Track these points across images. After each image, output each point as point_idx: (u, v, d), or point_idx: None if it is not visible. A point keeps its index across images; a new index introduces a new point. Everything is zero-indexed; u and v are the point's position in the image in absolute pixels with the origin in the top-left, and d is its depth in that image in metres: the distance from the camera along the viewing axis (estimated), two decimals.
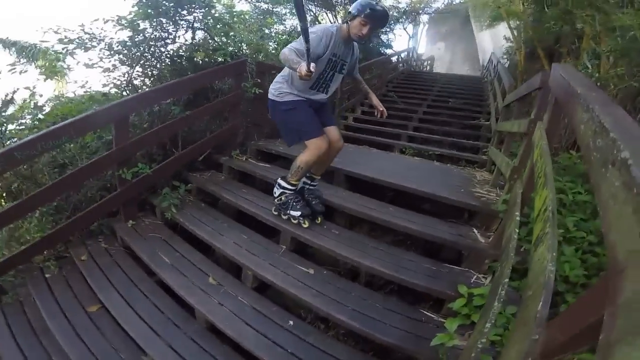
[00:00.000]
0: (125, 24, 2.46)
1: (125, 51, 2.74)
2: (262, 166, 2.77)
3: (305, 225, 2.04)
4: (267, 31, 5.87)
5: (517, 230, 1.20)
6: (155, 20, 2.53)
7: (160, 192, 2.53)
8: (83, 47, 2.47)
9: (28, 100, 2.86)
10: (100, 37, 2.54)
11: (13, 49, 7.97)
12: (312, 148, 1.95)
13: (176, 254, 2.16)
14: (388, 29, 10.37)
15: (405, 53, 10.00)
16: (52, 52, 2.57)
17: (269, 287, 1.86)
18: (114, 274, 2.09)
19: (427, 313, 1.61)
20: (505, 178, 1.97)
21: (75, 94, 3.45)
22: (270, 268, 1.84)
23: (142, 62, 2.82)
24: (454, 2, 12.16)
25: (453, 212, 2.12)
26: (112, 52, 2.65)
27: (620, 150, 0.43)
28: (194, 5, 2.90)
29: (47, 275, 2.18)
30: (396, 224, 1.91)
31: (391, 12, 11.31)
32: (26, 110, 2.93)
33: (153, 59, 2.98)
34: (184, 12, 2.89)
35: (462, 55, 14.35)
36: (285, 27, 7.09)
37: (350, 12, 1.85)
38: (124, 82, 2.84)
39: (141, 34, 2.59)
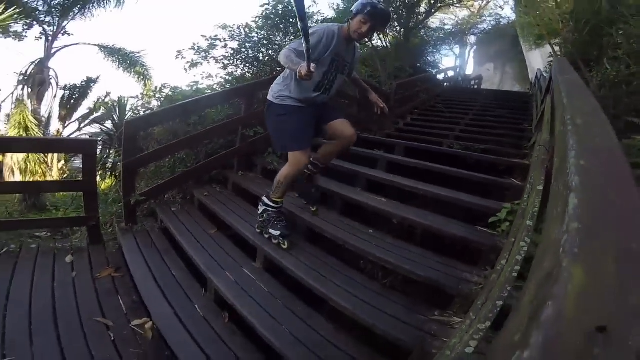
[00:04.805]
0: (256, 30, 3.63)
1: (241, 53, 3.92)
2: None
3: (284, 247, 2.09)
4: None
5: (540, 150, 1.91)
6: (276, 29, 3.67)
7: (261, 156, 3.49)
8: (225, 44, 3.67)
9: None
10: (234, 36, 3.75)
11: (116, 56, 10.00)
12: (292, 162, 2.01)
13: None
14: (434, 50, 11.32)
15: (452, 72, 10.77)
16: (196, 47, 3.75)
17: (353, 207, 2.60)
18: (230, 205, 2.95)
19: (482, 228, 2.07)
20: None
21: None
22: (353, 193, 2.66)
23: (252, 61, 3.97)
24: (501, 23, 12.86)
25: (494, 173, 2.79)
26: (234, 52, 3.82)
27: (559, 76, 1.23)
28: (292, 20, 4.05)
29: (173, 209, 3.10)
30: (450, 170, 2.70)
31: (437, 34, 12.30)
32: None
33: (256, 62, 4.12)
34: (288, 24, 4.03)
35: (513, 76, 14.74)
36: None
37: (351, 10, 1.91)
38: (237, 76, 4.00)
39: (261, 40, 3.76)
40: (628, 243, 0.39)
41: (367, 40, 1.96)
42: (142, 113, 4.14)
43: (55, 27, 9.37)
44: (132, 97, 4.30)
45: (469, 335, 0.68)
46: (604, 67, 2.95)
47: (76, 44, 9.84)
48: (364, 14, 1.82)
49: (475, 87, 12.96)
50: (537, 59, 8.45)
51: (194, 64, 3.66)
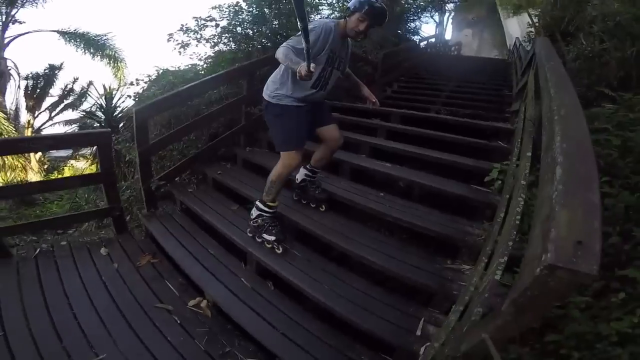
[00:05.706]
0: (246, 8, 3.72)
1: (231, 32, 4.00)
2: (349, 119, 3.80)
3: (279, 251, 2.11)
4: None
5: (523, 117, 2.25)
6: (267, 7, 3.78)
7: (264, 131, 3.54)
8: (216, 25, 3.76)
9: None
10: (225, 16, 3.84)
11: (79, 40, 9.46)
12: (284, 162, 2.01)
13: None
14: (415, 17, 11.35)
15: (433, 39, 10.95)
16: (185, 28, 3.81)
17: (361, 172, 2.86)
18: (245, 180, 3.04)
19: (476, 186, 2.42)
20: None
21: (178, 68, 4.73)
22: (360, 160, 2.94)
23: (242, 38, 4.07)
24: None
25: (482, 136, 3.08)
26: (225, 31, 3.91)
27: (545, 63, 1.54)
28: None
29: (189, 190, 3.14)
30: (444, 135, 3.03)
31: (418, 1, 12.27)
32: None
33: (246, 39, 4.19)
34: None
35: (491, 42, 15.04)
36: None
37: (348, 7, 1.91)
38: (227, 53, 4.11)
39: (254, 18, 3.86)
40: (588, 196, 0.70)
41: (362, 37, 1.96)
42: (132, 100, 4.19)
43: (4, 17, 8.78)
44: (129, 85, 4.31)
45: (494, 267, 1.02)
46: (580, 42, 3.27)
47: (30, 32, 9.27)
48: (362, 13, 1.84)
49: (455, 53, 13.23)
50: (515, 27, 8.72)
51: (184, 45, 3.73)
